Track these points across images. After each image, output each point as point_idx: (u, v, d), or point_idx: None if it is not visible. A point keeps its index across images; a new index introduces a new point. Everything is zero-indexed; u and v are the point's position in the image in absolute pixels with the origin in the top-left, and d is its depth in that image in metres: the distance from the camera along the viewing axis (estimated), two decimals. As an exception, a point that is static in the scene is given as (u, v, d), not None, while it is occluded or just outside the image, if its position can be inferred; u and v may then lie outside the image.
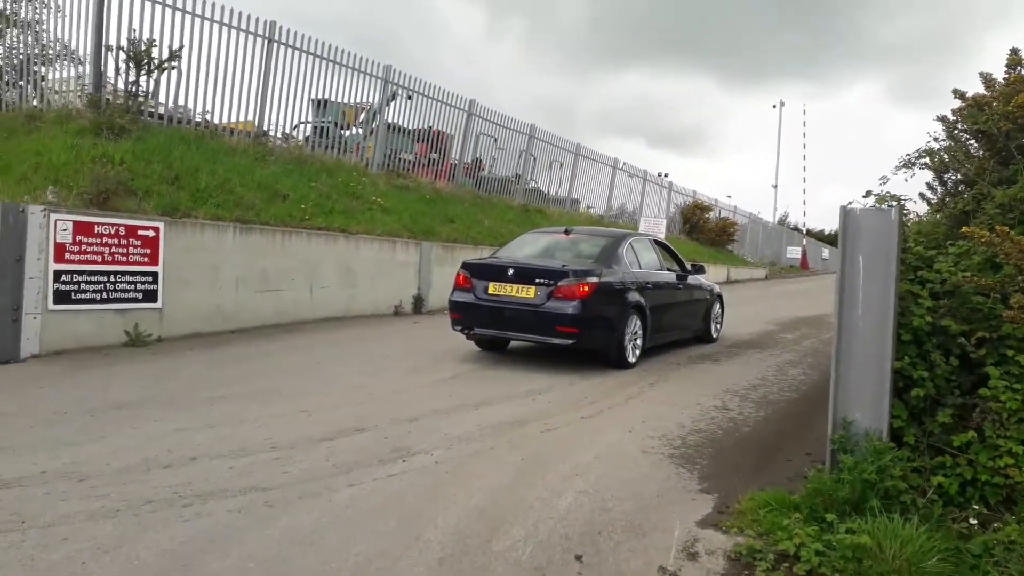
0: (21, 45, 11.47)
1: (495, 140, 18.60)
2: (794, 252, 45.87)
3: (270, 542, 3.51)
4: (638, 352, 8.34)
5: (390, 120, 15.27)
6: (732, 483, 4.63)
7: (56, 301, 7.48)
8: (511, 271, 7.93)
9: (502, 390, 6.86)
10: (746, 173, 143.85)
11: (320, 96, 13.65)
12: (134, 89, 10.45)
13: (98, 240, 7.85)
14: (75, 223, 7.65)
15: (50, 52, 11.42)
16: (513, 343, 9.01)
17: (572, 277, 7.65)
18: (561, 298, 7.58)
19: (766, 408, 6.77)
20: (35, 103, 11.14)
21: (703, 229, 30.69)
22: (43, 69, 11.55)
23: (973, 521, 3.80)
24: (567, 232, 9.04)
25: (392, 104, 15.16)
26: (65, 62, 11.31)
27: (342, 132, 14.50)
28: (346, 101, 14.17)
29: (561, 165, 21.71)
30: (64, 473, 4.30)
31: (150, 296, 8.33)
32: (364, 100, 14.64)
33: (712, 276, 27.48)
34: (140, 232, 8.24)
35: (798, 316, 15.10)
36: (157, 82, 10.82)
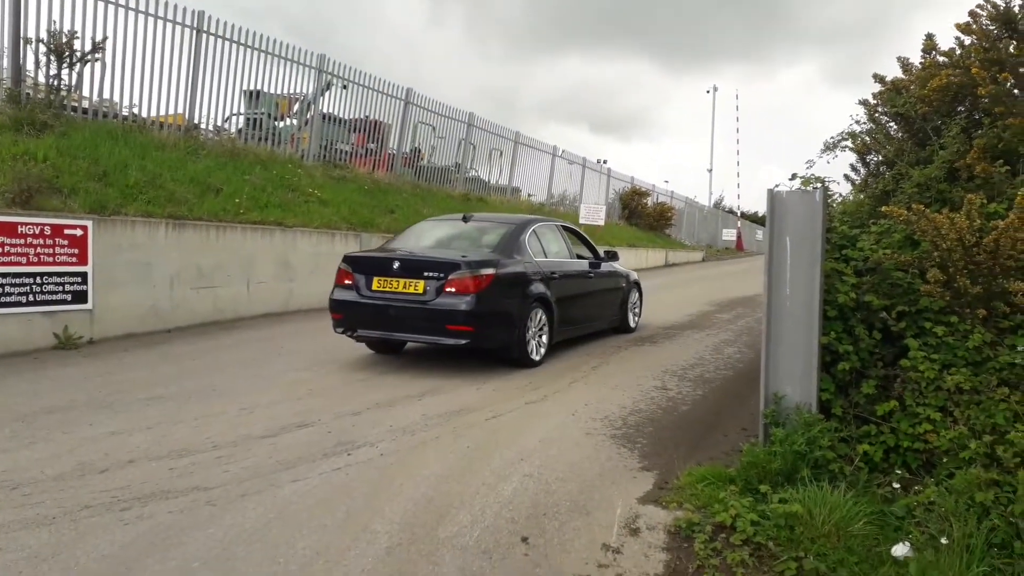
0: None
1: (434, 129, 18.51)
2: (729, 234, 46.99)
3: (214, 541, 3.49)
4: (543, 349, 7.69)
5: (325, 110, 15.04)
6: (671, 460, 4.78)
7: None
8: (396, 264, 7.14)
9: (447, 379, 6.89)
10: (684, 157, 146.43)
11: (252, 87, 13.36)
12: (56, 83, 10.05)
13: (22, 241, 7.56)
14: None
15: (-38, 45, 10.87)
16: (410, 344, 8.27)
17: (464, 269, 6.88)
18: (452, 292, 6.84)
19: (703, 387, 6.97)
20: (-53, 99, 10.60)
21: (641, 214, 31.16)
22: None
23: (896, 485, 4.01)
24: (466, 219, 8.31)
25: (327, 94, 14.94)
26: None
27: (276, 123, 14.24)
28: (280, 92, 13.91)
29: (501, 154, 21.75)
30: (-5, 482, 4.17)
31: (79, 297, 8.07)
32: (298, 90, 14.40)
33: (650, 260, 28.11)
34: (67, 231, 7.97)
35: (733, 297, 15.50)
36: (80, 75, 10.44)
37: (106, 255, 8.32)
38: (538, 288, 7.57)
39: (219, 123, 13.15)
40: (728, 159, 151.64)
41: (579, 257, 9.20)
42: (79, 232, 8.08)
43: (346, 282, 7.40)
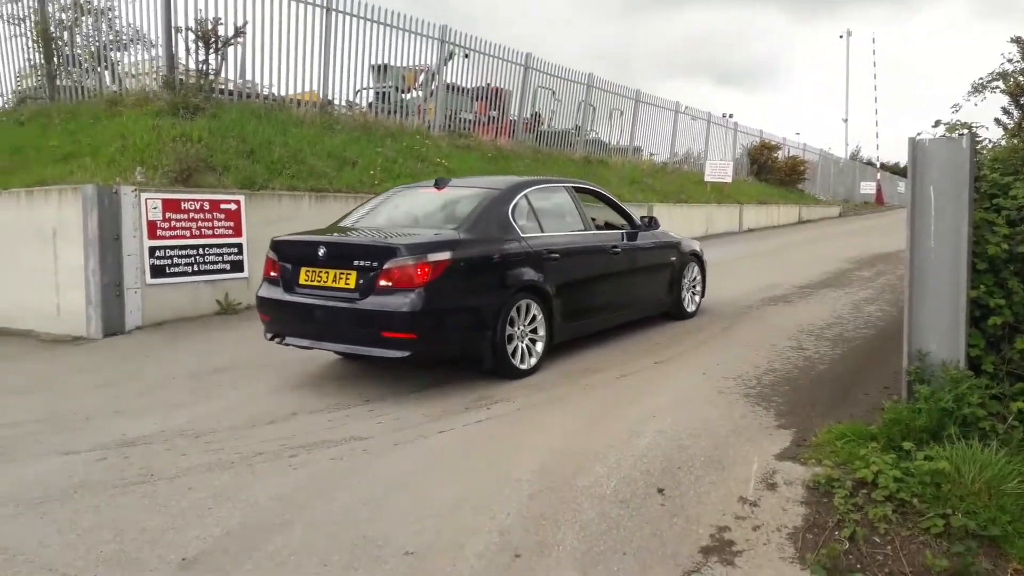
0: (96, 33, 11.96)
1: (553, 93, 18.51)
2: (868, 188, 44.31)
3: (372, 485, 3.81)
4: (539, 352, 5.88)
5: (448, 80, 15.37)
6: (809, 418, 4.73)
7: (153, 276, 7.98)
8: (322, 250, 5.48)
9: (574, 340, 7.04)
10: (816, 108, 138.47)
11: (379, 61, 13.85)
12: (204, 68, 10.84)
13: (185, 216, 8.30)
14: (163, 200, 8.09)
15: (124, 37, 11.89)
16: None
17: (404, 255, 5.11)
18: (388, 288, 5.10)
19: (842, 346, 6.76)
20: (114, 88, 11.66)
21: (772, 169, 29.94)
22: (118, 54, 12.06)
23: (1055, 445, 3.82)
24: (439, 185, 6.44)
25: (449, 64, 15.25)
26: (138, 46, 11.78)
27: (403, 96, 14.70)
28: (405, 64, 14.34)
29: (621, 113, 21.45)
30: (181, 431, 4.71)
31: (237, 266, 8.78)
32: (422, 62, 14.78)
33: (782, 217, 27.01)
34: (223, 206, 8.66)
35: (874, 253, 14.75)
36: (224, 59, 11.18)
37: (257, 227, 8.97)
38: (526, 274, 5.77)
39: (350, 98, 13.74)
40: (865, 108, 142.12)
41: (606, 226, 7.40)
42: (233, 206, 8.76)
43: (272, 274, 5.81)
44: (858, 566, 3.12)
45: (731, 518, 3.42)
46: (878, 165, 49.80)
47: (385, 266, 5.11)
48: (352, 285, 5.25)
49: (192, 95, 10.30)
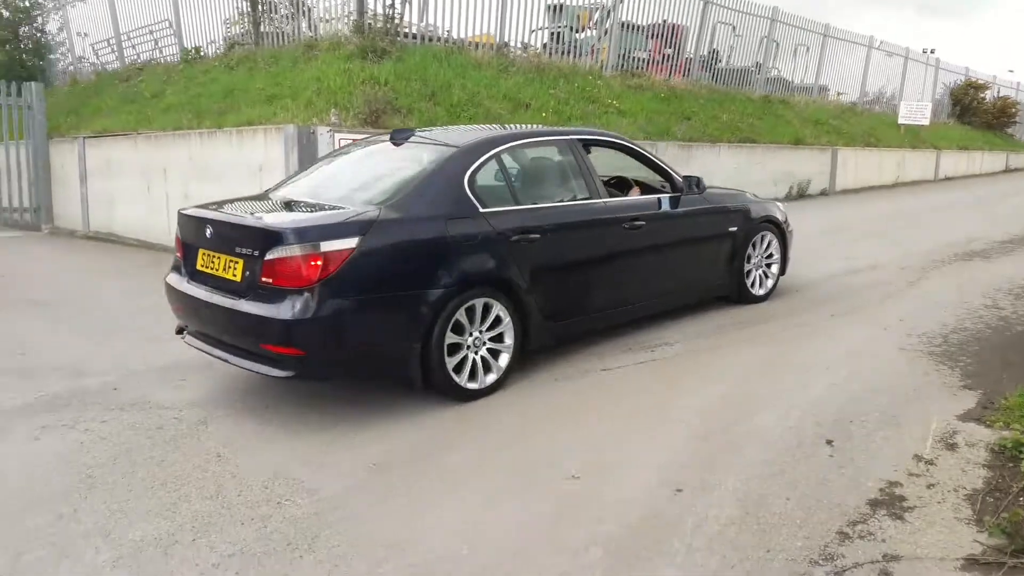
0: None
1: (733, 28, 17.63)
2: (1097, 132, 38.82)
3: (541, 410, 4.10)
4: (502, 365, 4.40)
5: (623, 18, 15.07)
6: (999, 380, 4.45)
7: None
8: (209, 230, 4.25)
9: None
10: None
11: (555, 2, 13.82)
12: (391, 12, 11.34)
13: (372, 155, 8.86)
14: (354, 140, 8.67)
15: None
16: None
17: (291, 242, 3.78)
18: (269, 285, 3.83)
19: (1046, 307, 6.21)
20: (310, 33, 12.49)
21: (976, 111, 26.99)
22: (313, 0, 12.86)
23: None
24: (395, 139, 4.98)
25: (625, 1, 14.93)
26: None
27: (576, 36, 14.62)
28: (579, 3, 14.21)
29: (807, 50, 20.07)
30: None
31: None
32: (597, 1, 14.58)
33: (985, 165, 24.42)
34: (405, 146, 9.15)
35: (1097, 207, 13.12)
36: (408, 2, 11.63)
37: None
38: (484, 263, 4.32)
39: (525, 39, 13.86)
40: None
41: (635, 186, 5.92)
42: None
43: (177, 255, 4.64)
44: (1044, 535, 2.98)
45: (903, 474, 3.36)
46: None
47: (267, 256, 3.79)
48: (238, 277, 3.99)
49: (379, 39, 10.84)
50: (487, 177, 4.63)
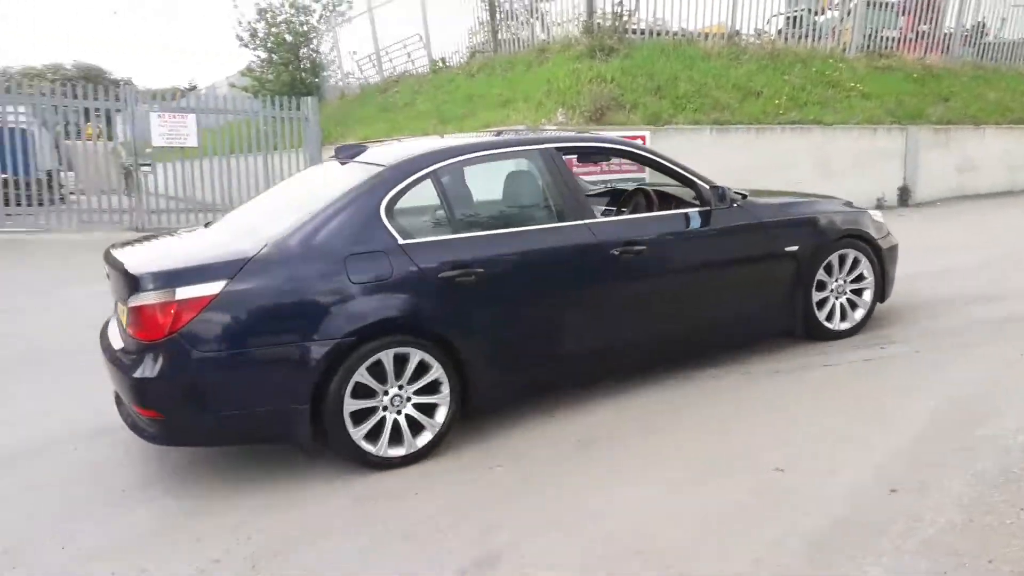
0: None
1: (1008, -5, 15.61)
2: None
3: (755, 402, 4.09)
4: (437, 422, 3.59)
5: (870, -5, 14.00)
6: None
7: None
8: (107, 271, 3.78)
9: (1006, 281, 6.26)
10: None
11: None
12: (619, 11, 11.56)
13: (597, 152, 9.13)
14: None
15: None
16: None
17: (149, 287, 3.27)
18: (133, 336, 3.34)
19: None
20: (542, 36, 13.08)
21: None
22: (547, 5, 13.45)
23: None
24: (339, 156, 4.30)
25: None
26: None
27: (815, 19, 13.84)
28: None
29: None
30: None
31: (640, 198, 9.43)
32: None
33: None
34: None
35: None
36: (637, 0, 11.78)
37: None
38: (398, 305, 3.52)
39: (759, 26, 13.40)
40: None
41: (656, 201, 4.81)
42: (639, 142, 9.38)
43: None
44: None
45: None
46: None
47: (129, 304, 3.31)
48: (126, 325, 3.46)
49: (607, 37, 11.11)
50: (418, 201, 3.89)
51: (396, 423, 3.51)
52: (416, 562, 2.78)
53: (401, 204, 3.71)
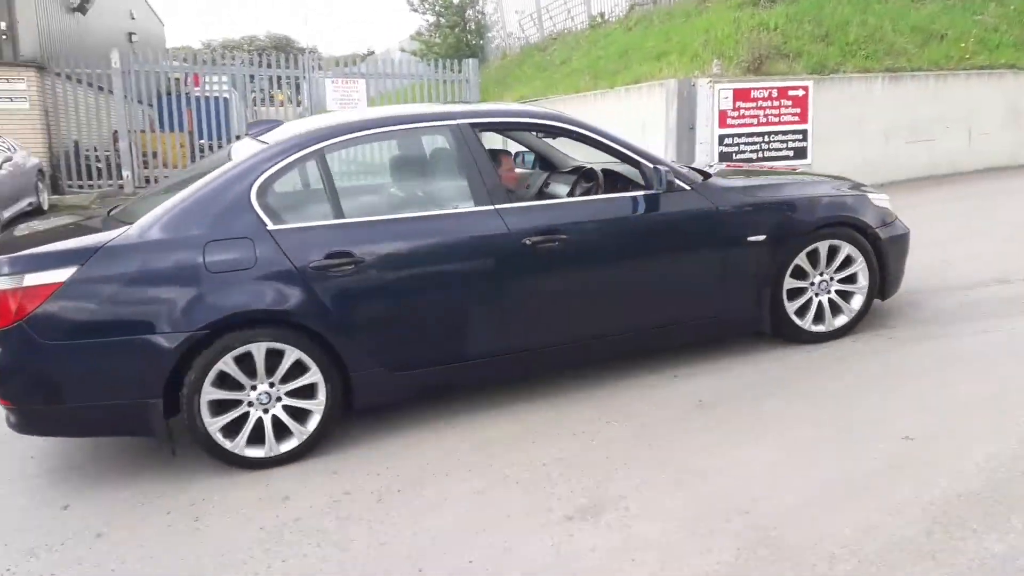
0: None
1: None
2: None
3: (886, 367, 3.92)
4: (308, 430, 3.36)
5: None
6: None
7: (719, 162, 8.78)
8: None
9: None
10: None
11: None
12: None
13: (753, 104, 8.79)
14: (734, 91, 8.70)
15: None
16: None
17: (4, 273, 3.14)
18: None
19: None
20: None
21: None
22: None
23: None
24: (252, 135, 3.98)
25: None
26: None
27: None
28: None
29: None
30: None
31: (800, 153, 8.99)
32: None
33: None
34: (790, 93, 8.88)
35: None
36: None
37: (822, 112, 8.96)
38: (263, 296, 3.27)
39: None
40: None
41: (601, 183, 4.25)
42: (800, 92, 8.90)
43: None
44: None
45: None
46: None
47: None
48: None
49: (773, -19, 10.53)
50: (298, 184, 3.72)
51: (260, 421, 3.30)
52: (525, 505, 2.93)
53: (281, 187, 3.50)
